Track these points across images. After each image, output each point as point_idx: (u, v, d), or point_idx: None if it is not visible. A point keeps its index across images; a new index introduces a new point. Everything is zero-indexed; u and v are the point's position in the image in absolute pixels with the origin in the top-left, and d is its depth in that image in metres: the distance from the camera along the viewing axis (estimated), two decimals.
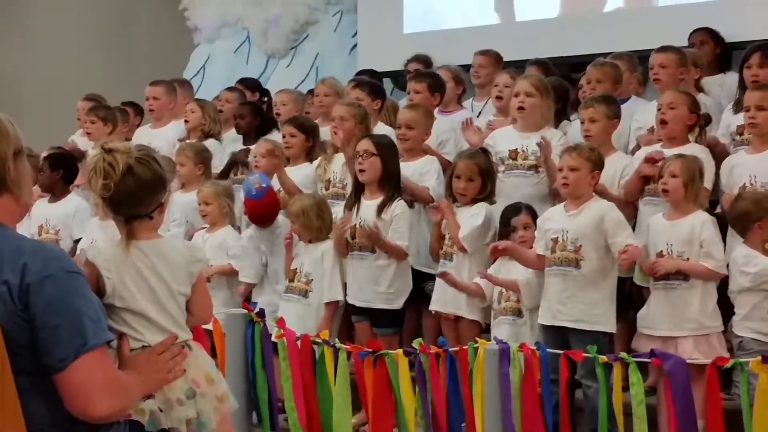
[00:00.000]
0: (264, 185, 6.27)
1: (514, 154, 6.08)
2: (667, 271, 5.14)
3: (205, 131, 7.85)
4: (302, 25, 11.25)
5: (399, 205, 5.91)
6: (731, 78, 6.82)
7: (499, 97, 6.82)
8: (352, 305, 6.01)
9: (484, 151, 5.99)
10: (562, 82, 6.86)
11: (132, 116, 8.93)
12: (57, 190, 7.42)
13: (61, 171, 7.40)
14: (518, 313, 5.49)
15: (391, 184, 5.95)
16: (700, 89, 6.62)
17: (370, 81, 7.56)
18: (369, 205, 5.95)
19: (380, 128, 6.80)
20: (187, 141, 7.69)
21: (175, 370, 3.03)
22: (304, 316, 5.94)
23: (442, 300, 5.84)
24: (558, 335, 5.20)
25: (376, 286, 5.90)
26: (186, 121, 7.96)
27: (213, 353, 5.10)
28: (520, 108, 6.08)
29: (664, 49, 6.43)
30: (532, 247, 5.45)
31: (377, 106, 7.07)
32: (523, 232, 5.58)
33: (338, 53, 10.93)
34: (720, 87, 6.92)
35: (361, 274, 5.93)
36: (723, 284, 5.20)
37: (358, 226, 5.94)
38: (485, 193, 5.83)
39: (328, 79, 7.88)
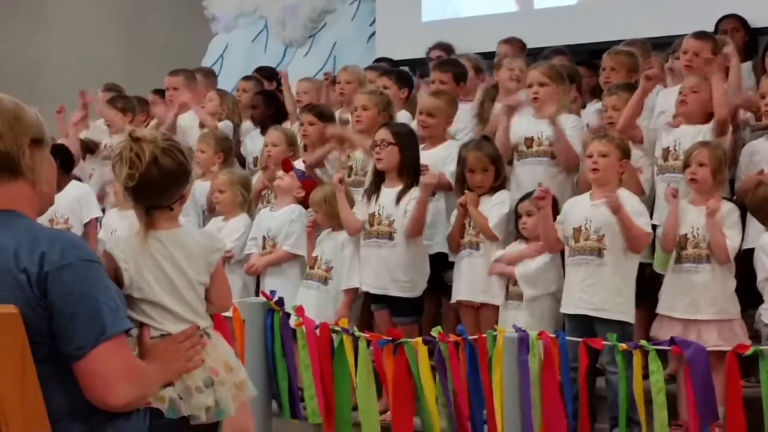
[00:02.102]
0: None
1: (529, 142, 6.08)
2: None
3: (221, 119, 7.84)
4: (320, 14, 11.24)
5: (417, 190, 5.87)
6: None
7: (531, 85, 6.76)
8: (370, 293, 5.99)
9: (487, 138, 5.98)
10: (575, 69, 6.81)
11: (159, 103, 8.92)
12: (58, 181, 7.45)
13: (56, 162, 7.42)
14: (521, 298, 5.52)
15: (410, 173, 5.92)
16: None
17: (397, 69, 7.52)
18: (388, 193, 5.93)
19: (402, 116, 6.78)
20: (206, 130, 7.68)
21: (195, 359, 3.03)
22: (322, 303, 5.94)
23: (470, 289, 5.78)
24: (583, 324, 5.19)
25: (392, 273, 5.85)
26: (203, 107, 7.94)
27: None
28: (535, 99, 6.07)
29: (699, 36, 6.30)
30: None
31: (404, 95, 7.05)
32: (525, 218, 5.58)
33: (356, 41, 10.91)
34: (748, 74, 6.86)
35: (377, 262, 5.89)
36: (739, 273, 5.19)
37: (377, 214, 5.92)
38: (500, 180, 5.85)
39: (350, 66, 7.83)
